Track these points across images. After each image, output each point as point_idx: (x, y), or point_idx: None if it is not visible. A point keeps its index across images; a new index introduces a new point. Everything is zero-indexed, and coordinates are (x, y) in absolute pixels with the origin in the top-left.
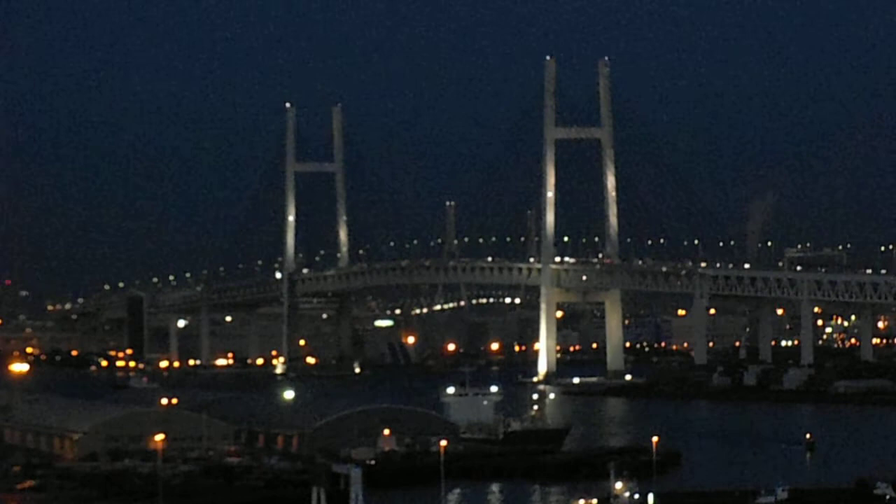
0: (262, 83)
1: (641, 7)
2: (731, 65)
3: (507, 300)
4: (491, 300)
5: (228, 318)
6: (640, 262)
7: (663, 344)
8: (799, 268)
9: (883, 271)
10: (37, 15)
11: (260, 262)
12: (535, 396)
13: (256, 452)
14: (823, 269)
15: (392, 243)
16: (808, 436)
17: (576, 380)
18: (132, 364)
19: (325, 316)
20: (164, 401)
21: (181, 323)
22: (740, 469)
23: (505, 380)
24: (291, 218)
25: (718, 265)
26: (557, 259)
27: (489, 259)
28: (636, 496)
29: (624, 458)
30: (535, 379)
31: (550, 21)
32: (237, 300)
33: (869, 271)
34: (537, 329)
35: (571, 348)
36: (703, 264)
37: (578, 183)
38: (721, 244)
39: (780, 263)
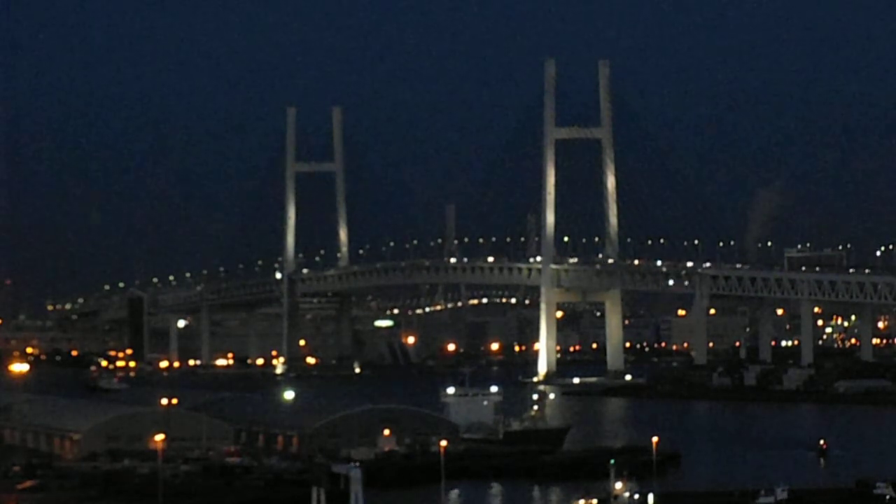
0: (262, 83)
1: (641, 7)
2: (731, 65)
3: (508, 300)
4: (491, 300)
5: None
6: (640, 263)
7: (663, 344)
8: (804, 268)
9: (883, 271)
10: (38, 14)
11: (260, 262)
12: (535, 396)
13: (256, 452)
14: (824, 269)
15: (392, 243)
16: (821, 442)
17: (576, 380)
18: (132, 364)
19: (325, 316)
20: (164, 401)
21: (181, 323)
22: (740, 469)
23: (505, 380)
24: (291, 218)
25: (718, 265)
26: (557, 259)
27: (489, 259)
28: (636, 496)
29: (624, 458)
30: (535, 379)
31: (550, 21)
32: (237, 300)
33: (869, 271)
34: (537, 329)
35: (571, 348)
36: (703, 264)
37: (578, 183)
38: (721, 244)
39: (780, 263)
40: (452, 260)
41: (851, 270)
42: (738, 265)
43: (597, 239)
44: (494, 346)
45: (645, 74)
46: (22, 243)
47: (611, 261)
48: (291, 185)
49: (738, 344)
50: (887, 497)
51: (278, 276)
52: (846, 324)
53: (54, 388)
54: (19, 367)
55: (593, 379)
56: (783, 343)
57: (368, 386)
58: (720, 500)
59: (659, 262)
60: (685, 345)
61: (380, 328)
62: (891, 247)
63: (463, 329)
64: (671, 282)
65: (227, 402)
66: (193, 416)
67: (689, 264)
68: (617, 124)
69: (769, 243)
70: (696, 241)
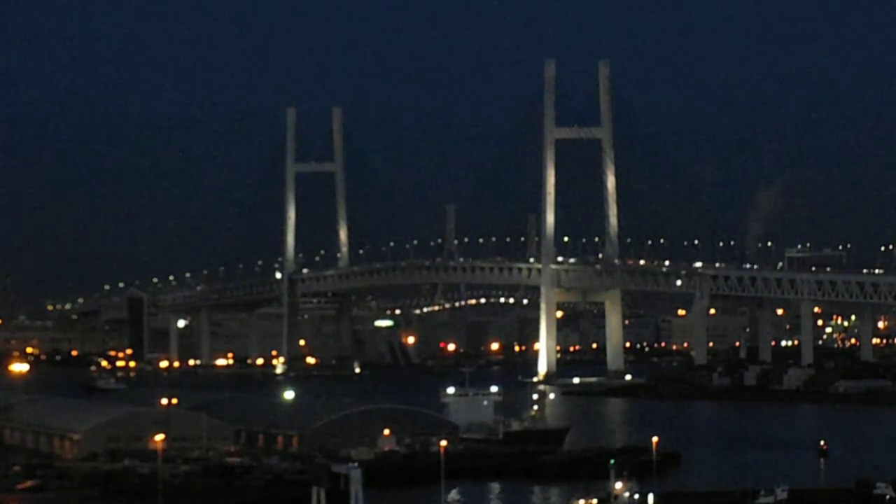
0: (262, 83)
1: (641, 7)
2: (731, 65)
3: (508, 300)
4: (491, 300)
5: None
6: (641, 263)
7: (663, 344)
8: (814, 269)
9: (881, 271)
10: (38, 14)
11: (260, 262)
12: (535, 396)
13: (256, 452)
14: (824, 269)
15: (392, 243)
16: (822, 443)
17: (576, 380)
18: (132, 364)
19: (325, 316)
20: (164, 401)
21: (181, 323)
22: (740, 469)
23: (505, 380)
24: (291, 218)
25: (718, 265)
26: (558, 259)
27: (489, 259)
28: (636, 496)
29: (624, 458)
30: (535, 379)
31: (550, 21)
32: (237, 300)
33: (869, 271)
34: (537, 329)
35: (571, 348)
36: (703, 264)
37: (578, 183)
38: (721, 244)
39: (780, 263)
40: (452, 260)
41: (865, 271)
42: (739, 265)
43: (597, 239)
44: (494, 346)
45: (645, 74)
46: (22, 243)
47: (617, 261)
48: (291, 185)
49: (738, 344)
50: (887, 497)
51: (278, 276)
52: (846, 324)
53: (53, 388)
54: (19, 367)
55: (593, 379)
56: (783, 343)
57: (368, 386)
58: (720, 500)
59: (658, 262)
60: (685, 345)
61: (380, 328)
62: (891, 247)
63: (463, 329)
64: (671, 282)
65: (227, 402)
66: (193, 416)
67: (690, 264)
68: (617, 124)
69: (769, 243)
70: (696, 241)
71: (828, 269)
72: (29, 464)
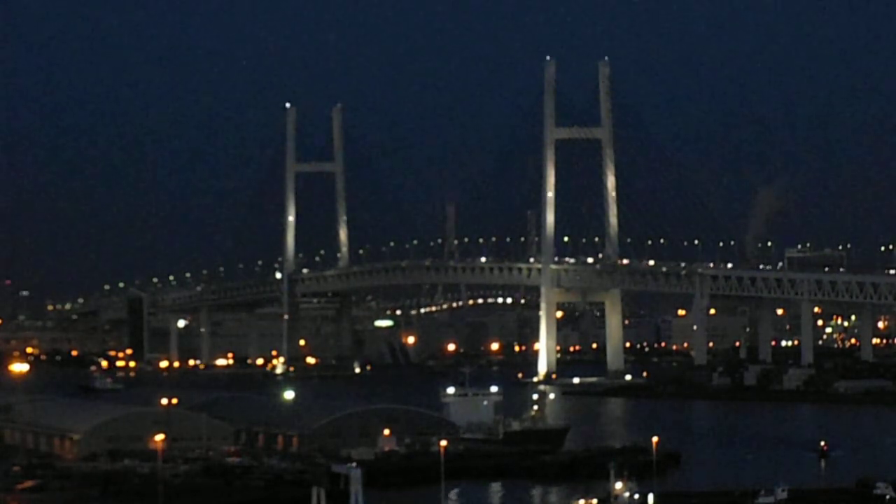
0: (262, 83)
1: (641, 7)
2: (731, 64)
3: (508, 300)
4: (491, 300)
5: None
6: (641, 263)
7: (663, 344)
8: (826, 269)
9: (883, 271)
10: (40, 13)
11: (260, 262)
12: (535, 396)
13: (256, 452)
14: (825, 269)
15: (392, 243)
16: (822, 443)
17: (576, 380)
18: (132, 364)
19: (325, 316)
20: (164, 401)
21: (181, 323)
22: (740, 469)
23: (505, 380)
24: (291, 218)
25: (718, 265)
26: (559, 259)
27: (489, 259)
28: (636, 496)
29: (624, 458)
30: (535, 379)
31: (550, 21)
32: (237, 300)
33: (870, 271)
34: (537, 329)
35: (571, 348)
36: (703, 264)
37: (578, 183)
38: (721, 244)
39: (780, 263)
40: (452, 260)
41: (852, 271)
42: (739, 265)
43: (597, 239)
44: (494, 346)
45: (645, 74)
46: (22, 243)
47: (625, 261)
48: (291, 185)
49: (738, 344)
50: (887, 497)
51: (278, 276)
52: (846, 324)
53: (53, 388)
54: (19, 367)
55: (593, 379)
56: (783, 343)
57: (368, 386)
58: (720, 500)
59: (658, 262)
60: (685, 345)
61: (380, 328)
62: (891, 247)
63: (463, 329)
64: (671, 282)
65: (227, 402)
66: (193, 416)
67: (690, 264)
68: (617, 124)
69: (769, 243)
70: (696, 241)
71: (828, 269)
72: (29, 464)
